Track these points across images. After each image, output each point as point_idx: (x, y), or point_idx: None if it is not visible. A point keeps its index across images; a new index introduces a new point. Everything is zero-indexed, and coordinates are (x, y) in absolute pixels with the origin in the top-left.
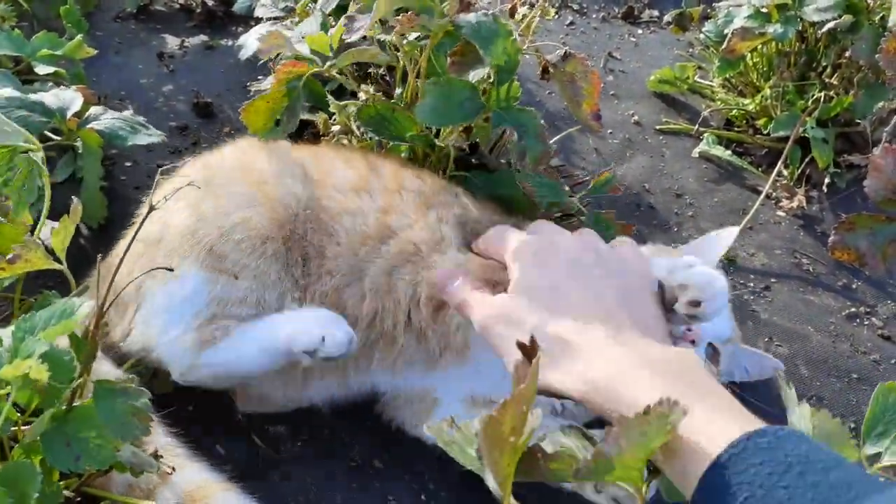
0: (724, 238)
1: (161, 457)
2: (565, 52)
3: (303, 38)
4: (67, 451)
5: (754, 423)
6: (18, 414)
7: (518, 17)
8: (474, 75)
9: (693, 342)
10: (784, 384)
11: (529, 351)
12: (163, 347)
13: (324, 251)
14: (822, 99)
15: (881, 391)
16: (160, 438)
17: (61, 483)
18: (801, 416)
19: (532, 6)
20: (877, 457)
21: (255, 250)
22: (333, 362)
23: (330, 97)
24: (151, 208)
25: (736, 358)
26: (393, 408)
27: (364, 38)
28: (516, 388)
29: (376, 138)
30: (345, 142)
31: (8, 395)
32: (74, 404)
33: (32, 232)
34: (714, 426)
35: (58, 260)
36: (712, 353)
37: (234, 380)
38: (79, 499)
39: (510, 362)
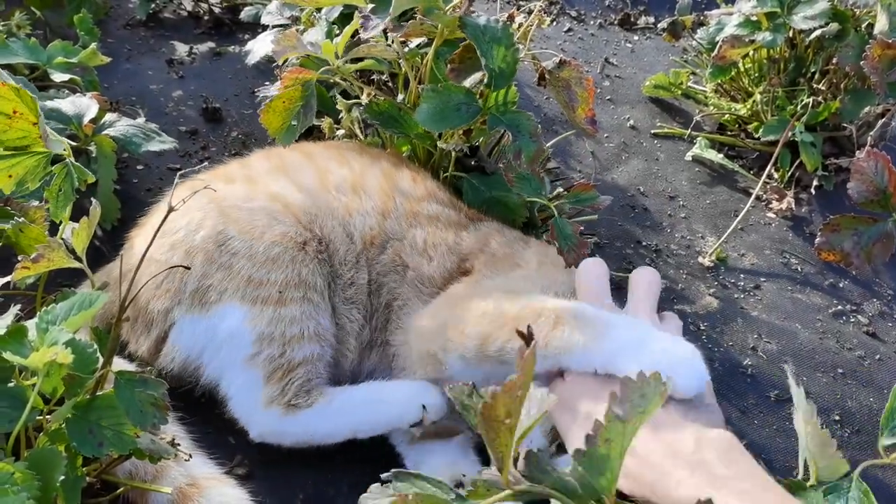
0: None
1: (178, 444)
2: (560, 59)
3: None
4: (91, 438)
5: None
6: (44, 404)
7: (515, 25)
8: (471, 81)
9: None
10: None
11: (527, 338)
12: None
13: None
14: (810, 104)
15: None
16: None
17: (84, 469)
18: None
19: (529, 13)
20: (893, 447)
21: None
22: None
23: (338, 96)
24: (170, 209)
25: None
26: None
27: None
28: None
29: (384, 132)
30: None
31: (34, 385)
32: (97, 394)
33: (53, 233)
34: None
35: (78, 259)
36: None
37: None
38: (98, 486)
39: (570, 447)
